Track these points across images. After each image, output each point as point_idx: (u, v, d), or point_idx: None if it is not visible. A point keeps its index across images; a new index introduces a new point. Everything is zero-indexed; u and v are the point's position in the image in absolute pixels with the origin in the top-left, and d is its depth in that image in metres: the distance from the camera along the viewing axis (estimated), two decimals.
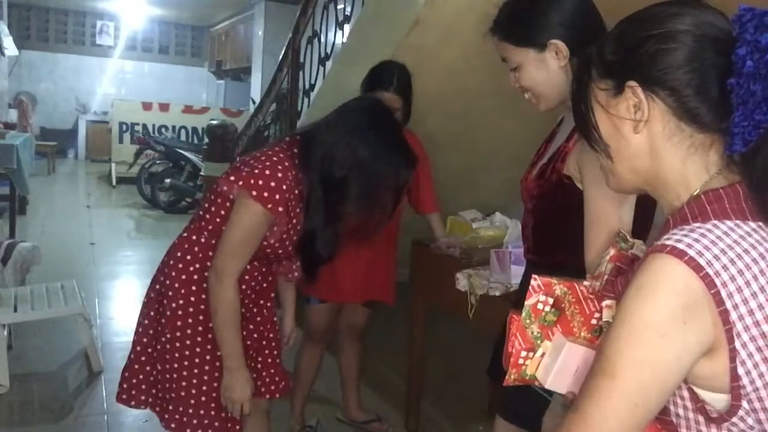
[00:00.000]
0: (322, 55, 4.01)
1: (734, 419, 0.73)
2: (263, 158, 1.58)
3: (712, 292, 0.69)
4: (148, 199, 7.56)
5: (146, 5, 10.70)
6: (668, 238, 0.73)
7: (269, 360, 1.86)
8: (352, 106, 1.71)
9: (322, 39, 4.07)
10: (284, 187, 1.56)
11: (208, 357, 1.68)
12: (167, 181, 7.38)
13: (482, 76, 3.00)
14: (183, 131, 9.21)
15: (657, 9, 0.80)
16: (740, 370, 0.71)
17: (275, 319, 1.89)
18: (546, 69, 1.31)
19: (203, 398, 1.68)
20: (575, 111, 0.89)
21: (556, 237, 1.35)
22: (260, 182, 1.53)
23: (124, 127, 9.12)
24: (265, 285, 1.81)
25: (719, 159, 0.78)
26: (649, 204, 1.25)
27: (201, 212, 1.72)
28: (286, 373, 1.91)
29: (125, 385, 1.76)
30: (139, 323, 1.77)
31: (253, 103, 7.23)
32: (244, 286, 1.71)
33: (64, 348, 3.32)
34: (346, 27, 3.71)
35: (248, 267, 1.69)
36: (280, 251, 1.68)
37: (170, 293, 1.69)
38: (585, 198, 1.19)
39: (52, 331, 3.42)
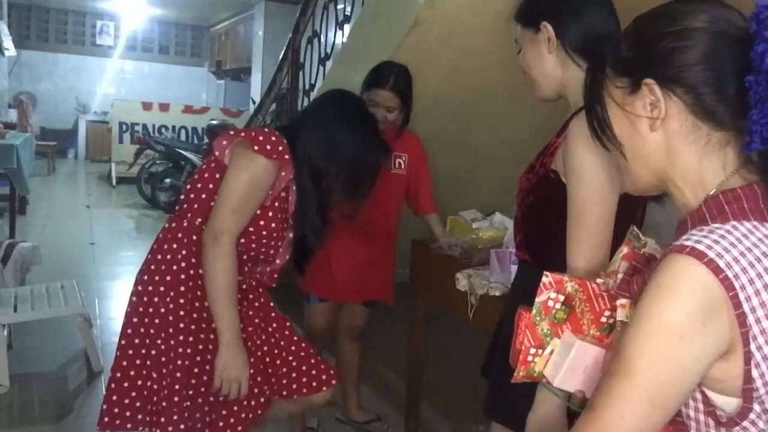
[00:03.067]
0: (322, 55, 4.01)
1: (745, 423, 0.73)
2: (256, 128, 1.63)
3: (731, 294, 0.69)
4: (148, 199, 7.55)
5: (146, 5, 10.71)
6: (687, 239, 0.72)
7: (299, 359, 1.77)
8: (326, 101, 1.81)
9: (322, 39, 4.07)
10: (284, 142, 1.58)
11: (198, 358, 1.60)
12: (167, 181, 7.38)
13: (482, 76, 3.00)
14: (183, 131, 9.22)
15: (673, 6, 0.80)
16: (754, 373, 0.70)
17: (280, 317, 1.80)
18: (538, 52, 1.33)
19: (191, 393, 1.60)
20: (588, 109, 0.88)
21: (543, 232, 1.35)
22: (261, 137, 1.55)
23: (124, 127, 9.12)
24: (246, 291, 1.72)
25: (736, 158, 0.78)
26: (632, 202, 1.27)
27: (182, 198, 1.67)
28: (324, 367, 1.82)
29: (116, 409, 1.64)
30: (123, 334, 1.64)
31: (253, 103, 7.23)
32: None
33: (64, 348, 3.32)
34: (346, 27, 3.71)
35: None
36: (273, 242, 1.63)
37: (157, 295, 1.60)
38: (568, 193, 1.20)
39: (52, 331, 3.42)
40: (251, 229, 1.60)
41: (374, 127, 1.81)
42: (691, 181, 0.80)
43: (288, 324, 1.82)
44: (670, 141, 0.79)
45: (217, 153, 1.61)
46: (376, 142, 1.75)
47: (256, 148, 1.52)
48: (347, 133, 1.67)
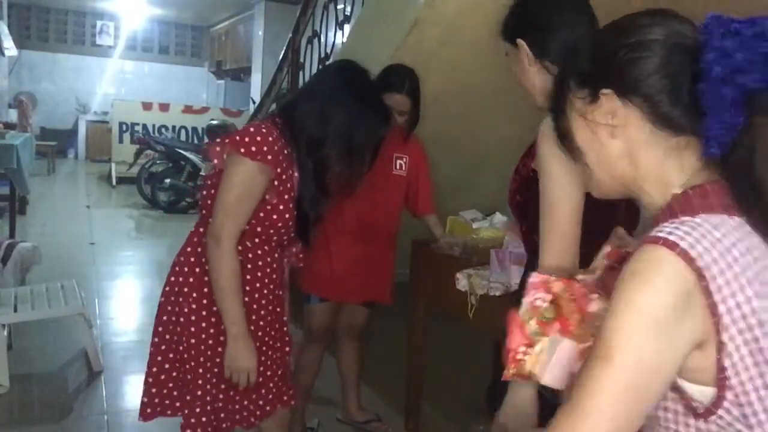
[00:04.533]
0: (322, 55, 4.02)
1: (719, 411, 0.74)
2: (245, 127, 1.65)
3: (703, 284, 0.70)
4: (148, 199, 7.55)
5: (146, 5, 10.71)
6: (660, 230, 0.74)
7: (283, 366, 1.84)
8: (327, 71, 1.81)
9: (322, 39, 4.07)
10: (270, 139, 1.59)
11: (221, 352, 1.66)
12: (167, 181, 7.38)
13: (482, 76, 3.00)
14: (183, 131, 9.22)
15: (629, 20, 0.84)
16: (726, 362, 0.72)
17: (285, 319, 1.86)
18: (522, 65, 1.38)
19: (214, 391, 1.68)
20: (554, 121, 0.92)
21: (536, 230, 1.38)
22: (246, 139, 1.57)
23: (124, 127, 9.12)
24: (278, 278, 1.79)
25: (696, 160, 0.80)
26: (610, 202, 1.30)
27: (200, 204, 1.74)
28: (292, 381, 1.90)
29: (156, 400, 1.73)
30: (155, 332, 1.75)
31: (253, 103, 7.23)
32: (266, 280, 1.71)
33: (64, 348, 3.32)
34: (346, 27, 3.71)
35: (266, 256, 1.69)
36: (290, 222, 1.67)
37: (182, 296, 1.68)
38: (540, 189, 1.24)
39: (52, 331, 3.42)
40: (267, 223, 1.65)
41: (372, 95, 1.76)
42: (655, 183, 0.83)
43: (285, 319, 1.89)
44: (630, 147, 0.83)
45: (215, 161, 1.65)
46: (372, 111, 1.71)
47: (242, 150, 1.55)
48: (340, 102, 1.65)
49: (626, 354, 0.71)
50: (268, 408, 1.77)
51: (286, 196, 1.65)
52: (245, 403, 1.73)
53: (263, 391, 1.75)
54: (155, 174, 7.56)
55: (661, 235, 0.73)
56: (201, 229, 1.72)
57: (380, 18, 3.12)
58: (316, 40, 4.15)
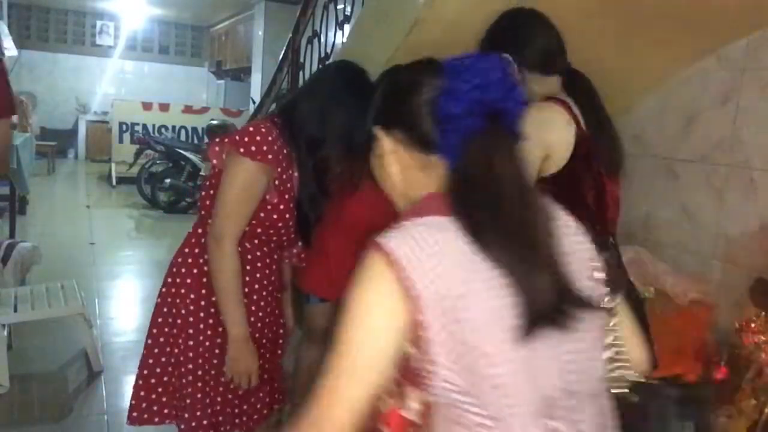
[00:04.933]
0: (322, 55, 4.01)
1: (433, 383, 0.84)
2: (244, 127, 1.66)
3: (404, 275, 0.83)
4: (148, 199, 7.56)
5: (146, 5, 10.71)
6: (380, 236, 0.89)
7: (275, 367, 1.84)
8: (327, 71, 1.84)
9: (322, 39, 4.07)
10: (270, 138, 1.58)
11: (218, 354, 1.66)
12: (167, 181, 7.38)
13: None
14: (183, 131, 9.21)
15: (395, 69, 1.08)
16: (429, 339, 0.83)
17: (283, 321, 1.87)
18: None
19: (212, 394, 1.68)
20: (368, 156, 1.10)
21: None
22: (246, 139, 1.56)
23: (124, 127, 9.12)
24: (277, 281, 1.79)
25: (444, 174, 0.96)
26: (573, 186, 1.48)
27: (199, 205, 1.74)
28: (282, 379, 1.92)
29: (144, 404, 1.72)
30: (149, 334, 1.74)
31: (253, 103, 7.23)
32: (265, 282, 1.72)
33: (64, 348, 3.32)
34: (346, 27, 3.71)
35: (266, 258, 1.69)
36: (290, 222, 1.67)
37: (180, 297, 1.67)
38: None
39: (52, 331, 3.42)
40: (267, 223, 1.64)
41: (372, 96, 1.78)
42: (417, 195, 0.99)
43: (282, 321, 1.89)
44: (402, 170, 1.01)
45: (214, 161, 1.64)
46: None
47: (242, 150, 1.54)
48: (340, 102, 1.64)
49: (344, 343, 0.86)
50: (265, 411, 1.77)
51: (287, 196, 1.64)
52: (244, 407, 1.73)
53: (261, 394, 1.76)
54: (155, 174, 7.55)
55: (377, 239, 0.88)
56: (199, 230, 1.71)
57: (380, 18, 3.11)
58: (316, 40, 4.15)
